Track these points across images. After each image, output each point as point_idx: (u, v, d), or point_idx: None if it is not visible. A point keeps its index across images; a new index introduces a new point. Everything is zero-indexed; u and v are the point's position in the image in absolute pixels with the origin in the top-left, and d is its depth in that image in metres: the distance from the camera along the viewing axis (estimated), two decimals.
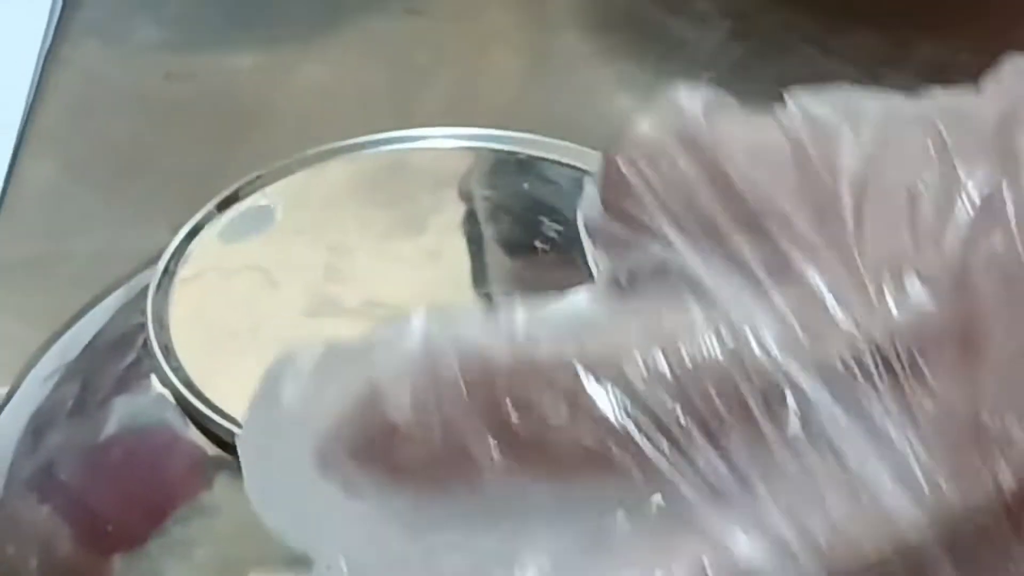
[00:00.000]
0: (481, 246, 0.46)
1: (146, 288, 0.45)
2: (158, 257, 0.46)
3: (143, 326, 0.44)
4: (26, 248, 0.56)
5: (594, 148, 0.42)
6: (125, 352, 0.45)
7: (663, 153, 0.25)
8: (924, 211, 0.23)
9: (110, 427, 0.45)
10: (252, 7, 0.68)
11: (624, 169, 0.25)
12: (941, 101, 0.27)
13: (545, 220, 0.44)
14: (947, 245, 0.23)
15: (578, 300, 0.25)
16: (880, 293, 0.22)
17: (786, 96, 0.26)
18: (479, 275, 0.45)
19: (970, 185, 0.23)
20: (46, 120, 0.62)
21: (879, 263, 0.23)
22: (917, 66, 0.62)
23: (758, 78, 0.60)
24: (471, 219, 0.47)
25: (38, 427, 0.47)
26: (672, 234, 0.24)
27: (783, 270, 0.24)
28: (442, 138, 0.50)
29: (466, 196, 0.48)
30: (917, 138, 0.24)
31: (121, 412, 0.45)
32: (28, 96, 0.63)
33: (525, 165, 0.47)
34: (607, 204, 0.25)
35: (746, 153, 0.25)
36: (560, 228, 0.44)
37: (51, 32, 0.66)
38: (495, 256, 0.45)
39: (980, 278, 0.22)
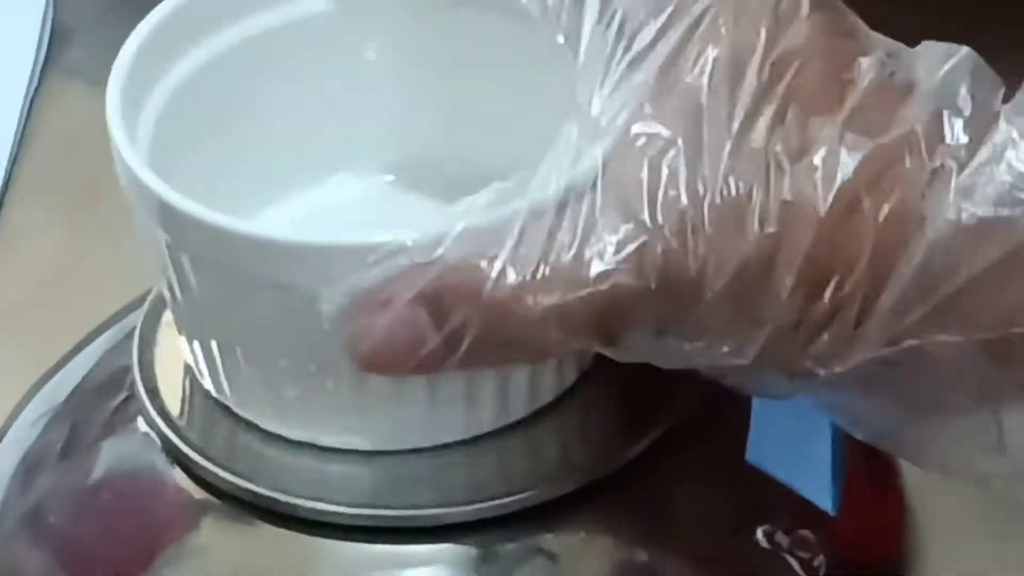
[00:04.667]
0: None
1: (133, 331, 0.46)
2: (144, 299, 0.46)
3: (129, 369, 0.45)
4: (13, 292, 0.57)
5: None
6: (113, 394, 0.46)
7: None
8: None
9: (99, 470, 0.45)
10: None
11: None
12: None
13: None
14: None
15: None
16: None
17: None
18: None
19: None
20: (32, 162, 0.63)
21: None
22: None
23: None
24: None
25: (28, 469, 0.47)
26: None
27: None
28: None
29: None
30: None
31: (109, 455, 0.45)
32: (14, 138, 0.64)
33: None
34: None
35: None
36: None
37: (37, 73, 0.67)
38: None
39: None
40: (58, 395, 0.49)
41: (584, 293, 0.33)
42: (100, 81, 0.67)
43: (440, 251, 0.34)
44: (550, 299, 0.33)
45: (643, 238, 0.33)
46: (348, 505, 0.41)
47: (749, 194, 0.33)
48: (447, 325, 0.34)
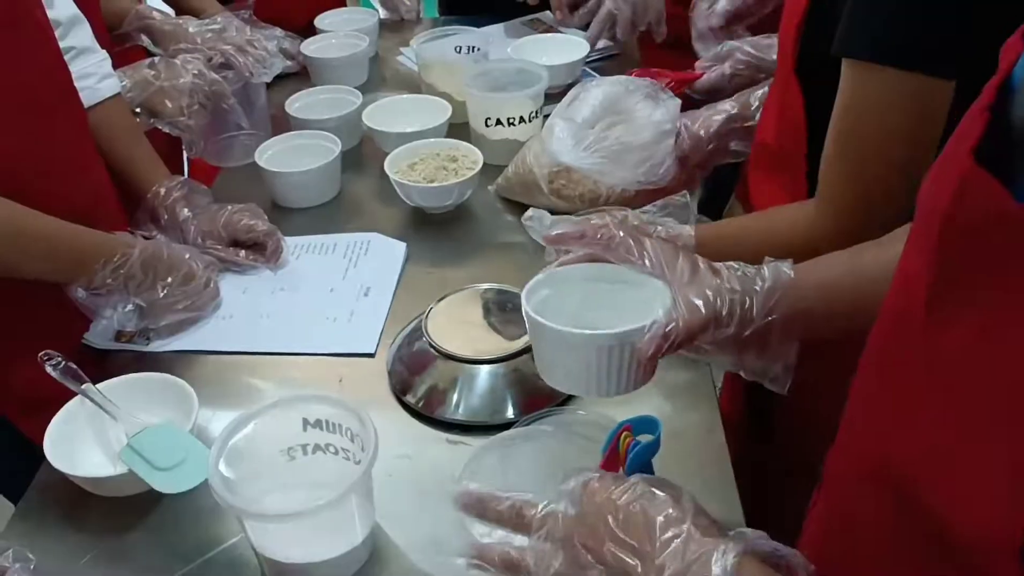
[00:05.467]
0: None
1: (422, 319, 1.44)
2: (425, 311, 1.45)
3: (421, 327, 1.42)
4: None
5: None
6: (417, 332, 1.44)
7: None
8: None
9: (416, 349, 1.41)
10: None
11: None
12: None
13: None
14: None
15: None
16: None
17: None
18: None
19: None
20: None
21: None
22: None
23: None
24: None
25: (397, 355, 1.45)
26: None
27: None
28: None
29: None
30: None
31: (415, 349, 1.42)
32: (389, 306, 1.47)
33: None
34: None
35: None
36: None
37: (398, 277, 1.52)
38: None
39: None
40: (405, 332, 1.45)
41: None
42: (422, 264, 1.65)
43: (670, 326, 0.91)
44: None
45: None
46: (475, 356, 1.37)
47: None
48: (673, 344, 0.93)
